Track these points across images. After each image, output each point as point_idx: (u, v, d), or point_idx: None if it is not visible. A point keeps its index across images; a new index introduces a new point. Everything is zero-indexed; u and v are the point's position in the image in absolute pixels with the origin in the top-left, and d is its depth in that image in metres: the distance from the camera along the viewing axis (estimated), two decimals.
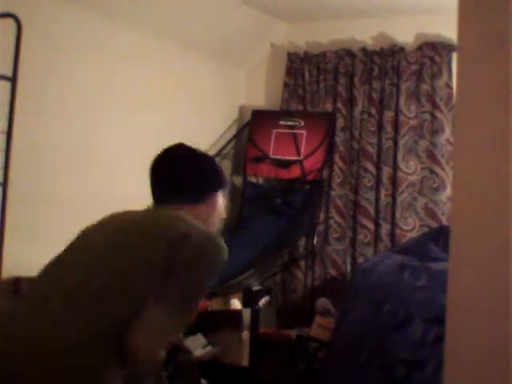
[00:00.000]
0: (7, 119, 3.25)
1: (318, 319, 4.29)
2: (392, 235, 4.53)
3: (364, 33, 4.75)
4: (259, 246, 4.11)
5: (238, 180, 5.02)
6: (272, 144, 4.77)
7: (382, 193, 4.56)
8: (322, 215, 4.71)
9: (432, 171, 4.45)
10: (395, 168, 4.54)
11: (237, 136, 5.00)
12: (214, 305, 4.22)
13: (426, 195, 4.46)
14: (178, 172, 2.12)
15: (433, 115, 4.46)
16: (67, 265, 1.96)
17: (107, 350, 1.76)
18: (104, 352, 1.76)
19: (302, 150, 4.66)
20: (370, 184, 4.61)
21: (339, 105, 4.76)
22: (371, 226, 4.59)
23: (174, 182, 2.12)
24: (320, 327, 4.23)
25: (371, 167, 4.61)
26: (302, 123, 4.72)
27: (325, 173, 4.66)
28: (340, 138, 4.72)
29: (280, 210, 4.62)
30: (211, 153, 4.83)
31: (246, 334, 4.27)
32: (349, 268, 4.66)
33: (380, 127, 4.63)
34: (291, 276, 4.82)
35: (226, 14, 4.58)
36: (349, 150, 4.73)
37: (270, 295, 4.18)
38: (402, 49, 4.58)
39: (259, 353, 4.04)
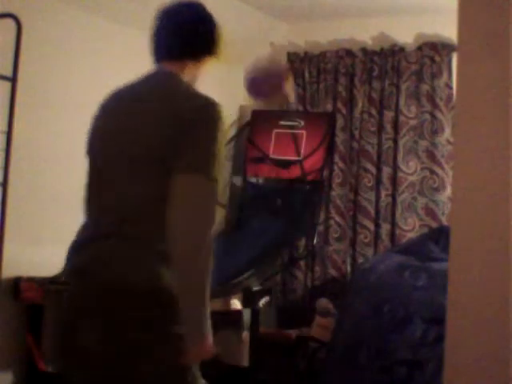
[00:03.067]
0: (7, 119, 3.25)
1: (318, 319, 4.29)
2: (392, 235, 4.53)
3: (364, 33, 4.74)
4: (259, 246, 4.11)
5: (238, 180, 5.01)
6: (272, 144, 4.77)
7: (382, 193, 4.56)
8: (322, 215, 4.70)
9: (432, 171, 4.44)
10: (395, 168, 4.54)
11: (237, 136, 4.99)
12: (214, 305, 4.21)
13: (426, 195, 4.45)
14: (190, 21, 2.12)
15: (433, 115, 4.46)
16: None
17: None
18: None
19: (302, 150, 4.66)
20: (370, 184, 4.61)
21: (339, 105, 4.75)
22: (371, 226, 4.58)
23: (184, 29, 2.11)
24: (320, 327, 4.23)
25: (371, 167, 4.61)
26: (302, 123, 4.72)
27: (325, 173, 4.65)
28: (340, 138, 4.72)
29: (280, 210, 4.62)
30: None
31: (245, 334, 4.27)
32: (349, 268, 4.66)
33: (380, 127, 4.63)
34: (291, 276, 4.81)
35: (226, 14, 4.57)
36: (349, 150, 4.73)
37: (270, 295, 4.19)
38: (402, 49, 4.58)
39: (259, 353, 4.04)
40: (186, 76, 2.08)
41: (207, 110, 1.98)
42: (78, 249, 1.99)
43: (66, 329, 1.95)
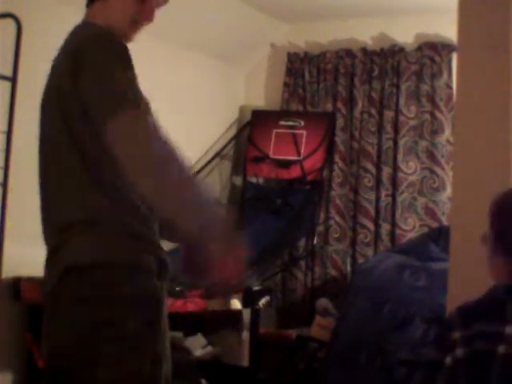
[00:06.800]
0: (7, 119, 3.24)
1: (318, 319, 4.29)
2: (392, 235, 4.53)
3: (364, 33, 4.74)
4: (259, 246, 4.11)
5: (238, 180, 5.01)
6: (272, 144, 4.77)
7: (382, 193, 4.56)
8: (322, 215, 4.70)
9: (432, 171, 4.45)
10: (395, 168, 4.54)
11: (237, 136, 5.00)
12: (214, 305, 4.22)
13: (425, 195, 4.45)
14: None
15: (433, 115, 4.46)
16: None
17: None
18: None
19: (302, 150, 4.66)
20: (370, 184, 4.61)
21: (339, 105, 4.75)
22: (371, 226, 4.58)
23: None
24: (320, 327, 4.23)
25: (371, 167, 4.61)
26: (302, 123, 4.72)
27: (325, 173, 4.66)
28: (340, 138, 4.72)
29: (280, 210, 4.62)
30: (211, 153, 4.84)
31: (245, 334, 4.27)
32: (349, 268, 4.66)
33: (380, 127, 4.63)
34: (291, 276, 4.81)
35: (226, 14, 4.58)
36: (349, 150, 4.73)
37: (270, 295, 4.19)
38: (402, 49, 4.58)
39: (259, 353, 4.04)
40: (99, 19, 1.97)
41: (92, 39, 1.84)
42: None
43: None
